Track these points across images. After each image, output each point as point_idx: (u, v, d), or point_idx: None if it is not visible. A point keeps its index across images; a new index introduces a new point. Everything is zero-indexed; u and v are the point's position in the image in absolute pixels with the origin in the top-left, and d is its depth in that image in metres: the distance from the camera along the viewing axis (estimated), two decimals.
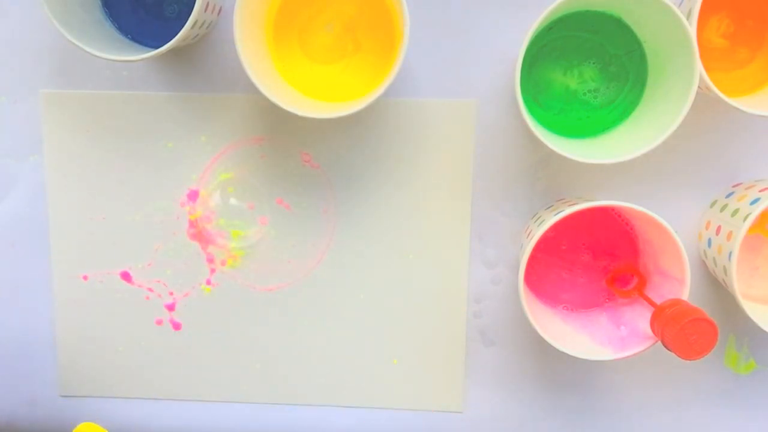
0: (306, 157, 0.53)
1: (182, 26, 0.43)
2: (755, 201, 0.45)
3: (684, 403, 0.54)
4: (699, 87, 0.46)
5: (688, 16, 0.43)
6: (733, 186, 0.51)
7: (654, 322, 0.45)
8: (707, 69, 0.43)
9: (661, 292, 0.47)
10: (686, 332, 0.42)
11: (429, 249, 0.53)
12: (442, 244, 0.53)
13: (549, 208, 0.51)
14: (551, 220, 0.44)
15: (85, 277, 0.55)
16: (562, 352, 0.45)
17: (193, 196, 0.53)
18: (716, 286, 0.53)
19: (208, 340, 0.55)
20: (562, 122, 0.50)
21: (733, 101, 0.44)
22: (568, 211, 0.44)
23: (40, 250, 0.54)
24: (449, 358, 0.54)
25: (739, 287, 0.45)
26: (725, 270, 0.46)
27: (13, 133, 0.53)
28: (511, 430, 0.55)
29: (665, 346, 0.43)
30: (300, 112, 0.44)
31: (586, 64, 0.49)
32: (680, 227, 0.51)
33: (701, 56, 0.43)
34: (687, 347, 0.42)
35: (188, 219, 0.54)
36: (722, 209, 0.49)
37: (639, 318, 0.48)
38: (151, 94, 0.52)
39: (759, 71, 0.49)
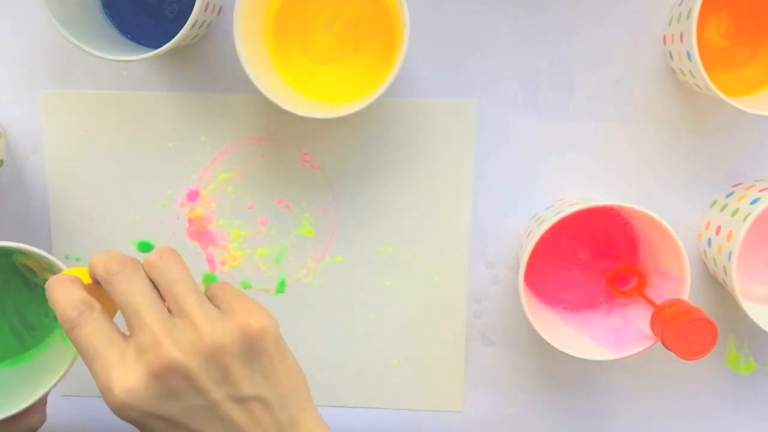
0: (306, 157, 0.53)
1: (182, 26, 0.43)
2: (755, 201, 0.45)
3: (684, 403, 0.54)
4: (699, 87, 0.46)
5: (688, 15, 0.43)
6: (733, 186, 0.51)
7: (654, 322, 0.45)
8: (707, 69, 0.43)
9: (661, 292, 0.47)
10: (686, 332, 0.42)
11: (429, 249, 0.53)
12: (442, 244, 0.53)
13: (549, 208, 0.51)
14: (551, 220, 0.44)
15: None
16: (562, 352, 0.45)
17: (193, 196, 0.53)
18: (716, 286, 0.53)
19: None
20: None
21: (733, 101, 0.44)
22: (568, 211, 0.44)
23: (41, 250, 0.54)
24: (449, 358, 0.54)
25: (739, 287, 0.45)
26: (725, 270, 0.46)
27: (13, 133, 0.53)
28: (511, 430, 0.55)
29: (665, 346, 0.43)
30: (300, 112, 0.44)
31: None
32: (680, 227, 0.51)
33: (701, 56, 0.43)
34: (687, 347, 0.42)
35: (188, 219, 0.54)
36: (722, 209, 0.49)
37: (639, 318, 0.48)
38: (151, 94, 0.52)
39: (759, 71, 0.49)
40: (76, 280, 0.38)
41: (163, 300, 0.38)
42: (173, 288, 0.38)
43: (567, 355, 0.46)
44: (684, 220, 0.52)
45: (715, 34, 0.49)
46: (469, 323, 0.54)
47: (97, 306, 0.37)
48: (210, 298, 0.39)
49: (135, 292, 0.37)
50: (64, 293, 0.37)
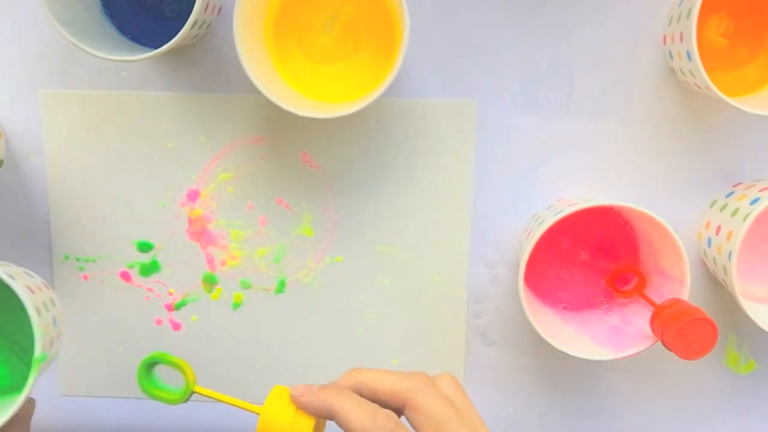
0: (306, 157, 0.53)
1: (182, 26, 0.43)
2: (755, 201, 0.45)
3: (684, 403, 0.54)
4: (699, 87, 0.46)
5: (688, 15, 0.43)
6: (733, 186, 0.51)
7: (654, 322, 0.45)
8: (707, 69, 0.43)
9: (661, 292, 0.47)
10: (686, 332, 0.42)
11: (429, 249, 0.53)
12: (442, 243, 0.53)
13: (549, 208, 0.51)
14: (551, 220, 0.44)
15: (85, 277, 0.55)
16: (562, 352, 0.45)
17: (193, 196, 0.53)
18: (716, 286, 0.53)
19: (208, 340, 0.55)
20: None
21: (733, 101, 0.44)
22: (568, 211, 0.45)
23: (41, 250, 0.54)
24: (449, 358, 0.54)
25: (739, 287, 0.45)
26: (725, 270, 0.46)
27: (13, 133, 0.53)
28: (511, 430, 0.55)
29: (665, 346, 0.43)
30: (300, 112, 0.44)
31: None
32: (680, 227, 0.51)
33: (701, 56, 0.43)
34: (687, 347, 0.42)
35: (188, 219, 0.54)
36: (722, 209, 0.49)
37: (639, 318, 0.48)
38: (151, 94, 0.52)
39: (759, 71, 0.49)
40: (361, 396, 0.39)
41: None
42: (471, 414, 0.40)
43: (567, 355, 0.46)
44: (684, 220, 0.52)
45: (715, 34, 0.49)
46: (469, 323, 0.54)
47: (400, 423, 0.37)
48: None
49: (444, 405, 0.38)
50: (366, 411, 0.37)
